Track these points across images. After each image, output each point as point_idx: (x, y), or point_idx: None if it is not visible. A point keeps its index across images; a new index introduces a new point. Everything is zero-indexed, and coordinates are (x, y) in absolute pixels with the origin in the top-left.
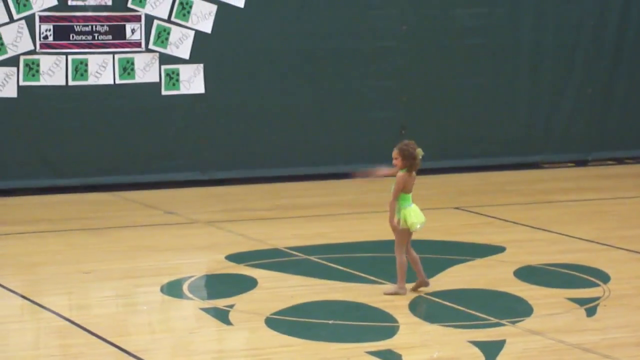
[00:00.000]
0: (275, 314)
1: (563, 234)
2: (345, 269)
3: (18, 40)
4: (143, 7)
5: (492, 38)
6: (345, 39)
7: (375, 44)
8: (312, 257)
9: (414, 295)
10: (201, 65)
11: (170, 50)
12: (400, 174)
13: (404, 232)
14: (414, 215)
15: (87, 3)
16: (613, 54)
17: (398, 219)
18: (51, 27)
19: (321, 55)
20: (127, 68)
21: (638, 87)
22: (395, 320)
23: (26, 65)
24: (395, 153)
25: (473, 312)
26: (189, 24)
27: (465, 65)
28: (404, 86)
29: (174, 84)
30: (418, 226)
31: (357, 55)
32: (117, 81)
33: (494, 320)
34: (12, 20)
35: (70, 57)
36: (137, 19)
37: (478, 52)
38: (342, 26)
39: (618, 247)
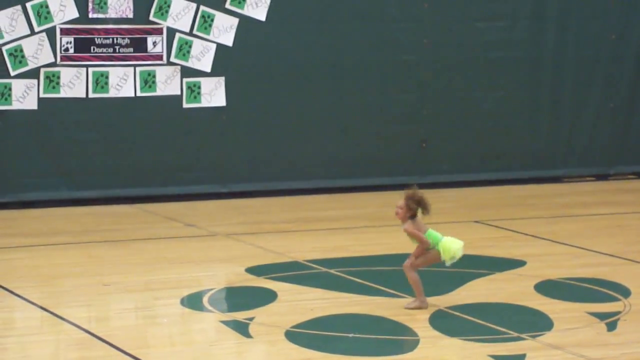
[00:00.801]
0: (294, 327)
1: (584, 248)
2: (365, 282)
3: (39, 52)
4: (165, 20)
5: (513, 51)
6: (367, 52)
7: (396, 57)
8: (331, 270)
9: (434, 309)
10: (222, 78)
11: (192, 63)
12: (408, 226)
13: (434, 257)
14: (452, 245)
15: (108, 15)
16: (635, 68)
17: (437, 251)
18: (72, 40)
19: (342, 68)
20: (148, 81)
21: None
22: (416, 334)
23: (47, 77)
24: (401, 203)
25: (493, 326)
26: (210, 37)
27: (487, 78)
28: (425, 99)
29: (195, 97)
30: (460, 254)
31: (378, 68)
32: (138, 94)
33: (514, 334)
34: (33, 32)
35: (90, 70)
36: (158, 31)
37: (499, 65)
38: (364, 39)
39: (639, 262)
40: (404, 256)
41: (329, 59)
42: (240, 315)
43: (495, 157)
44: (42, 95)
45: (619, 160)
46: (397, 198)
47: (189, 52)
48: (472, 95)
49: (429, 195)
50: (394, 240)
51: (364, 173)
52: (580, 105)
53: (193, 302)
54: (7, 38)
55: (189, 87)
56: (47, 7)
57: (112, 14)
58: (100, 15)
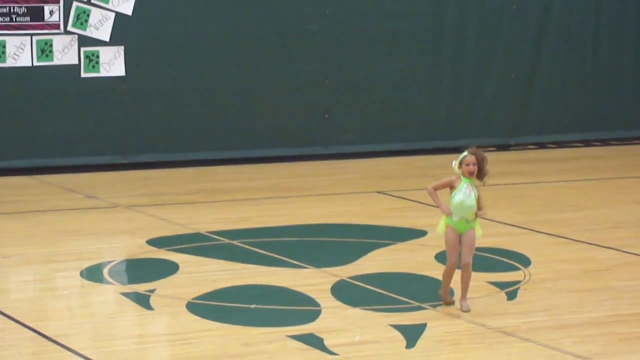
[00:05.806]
0: (196, 298)
1: (484, 218)
2: (268, 253)
3: None
4: None
5: (415, 22)
6: (269, 22)
7: (298, 27)
8: (234, 242)
9: (336, 279)
10: (122, 48)
11: (90, 32)
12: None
13: None
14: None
15: None
16: (536, 39)
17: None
18: None
19: (244, 37)
20: (45, 50)
21: (560, 72)
22: (318, 304)
23: None
24: (473, 159)
25: (394, 296)
26: (109, 6)
27: (388, 49)
28: (327, 70)
29: (93, 67)
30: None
31: (281, 38)
32: (35, 63)
33: (415, 303)
34: None
35: None
36: (55, 0)
37: (401, 36)
38: (266, 9)
39: (539, 231)
40: (307, 227)
41: (231, 28)
42: (141, 287)
43: (397, 128)
44: None
45: (519, 130)
46: (300, 170)
47: (87, 20)
48: (374, 65)
49: (331, 166)
50: (297, 212)
51: (267, 144)
52: (482, 75)
53: (93, 274)
54: None
55: (87, 57)
56: None
57: None
58: None
